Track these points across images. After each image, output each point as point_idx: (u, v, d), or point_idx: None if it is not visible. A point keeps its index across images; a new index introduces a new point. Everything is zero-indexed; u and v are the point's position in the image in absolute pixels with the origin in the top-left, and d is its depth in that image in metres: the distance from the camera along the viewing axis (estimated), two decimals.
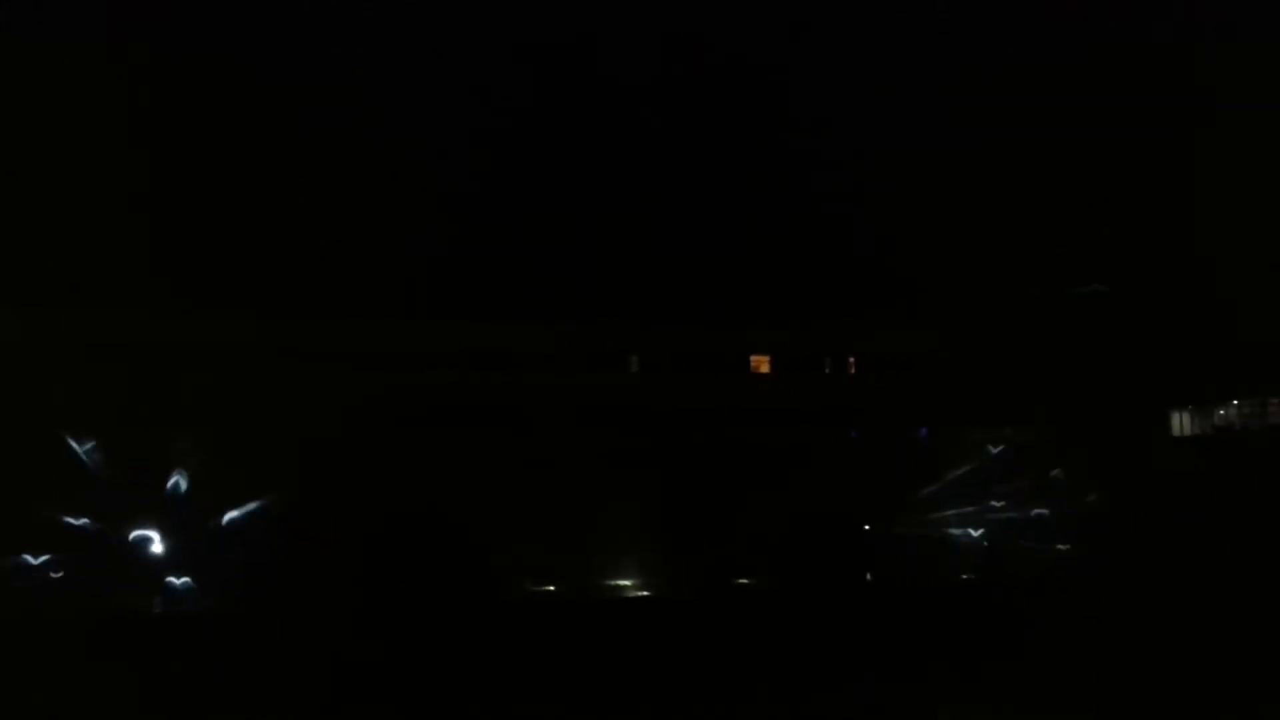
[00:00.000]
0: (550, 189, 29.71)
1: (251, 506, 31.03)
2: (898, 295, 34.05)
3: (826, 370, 35.70)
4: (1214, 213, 32.94)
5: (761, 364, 35.40)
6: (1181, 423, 37.83)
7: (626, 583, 33.30)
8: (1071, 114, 31.82)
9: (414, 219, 28.55)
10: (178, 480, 30.81)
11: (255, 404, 30.90)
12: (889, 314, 34.60)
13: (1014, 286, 35.02)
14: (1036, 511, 35.50)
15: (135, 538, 30.71)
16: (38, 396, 29.31)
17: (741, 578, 33.82)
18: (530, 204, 30.07)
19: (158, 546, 30.86)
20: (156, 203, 27.22)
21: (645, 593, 33.18)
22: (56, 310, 29.40)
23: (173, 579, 30.83)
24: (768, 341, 35.16)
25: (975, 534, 35.37)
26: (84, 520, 30.21)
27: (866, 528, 34.95)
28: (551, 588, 32.82)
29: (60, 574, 30.06)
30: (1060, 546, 35.15)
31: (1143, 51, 30.84)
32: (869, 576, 34.65)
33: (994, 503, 35.43)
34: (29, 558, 29.97)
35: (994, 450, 35.66)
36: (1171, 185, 32.32)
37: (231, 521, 31.22)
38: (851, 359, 35.75)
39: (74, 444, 29.94)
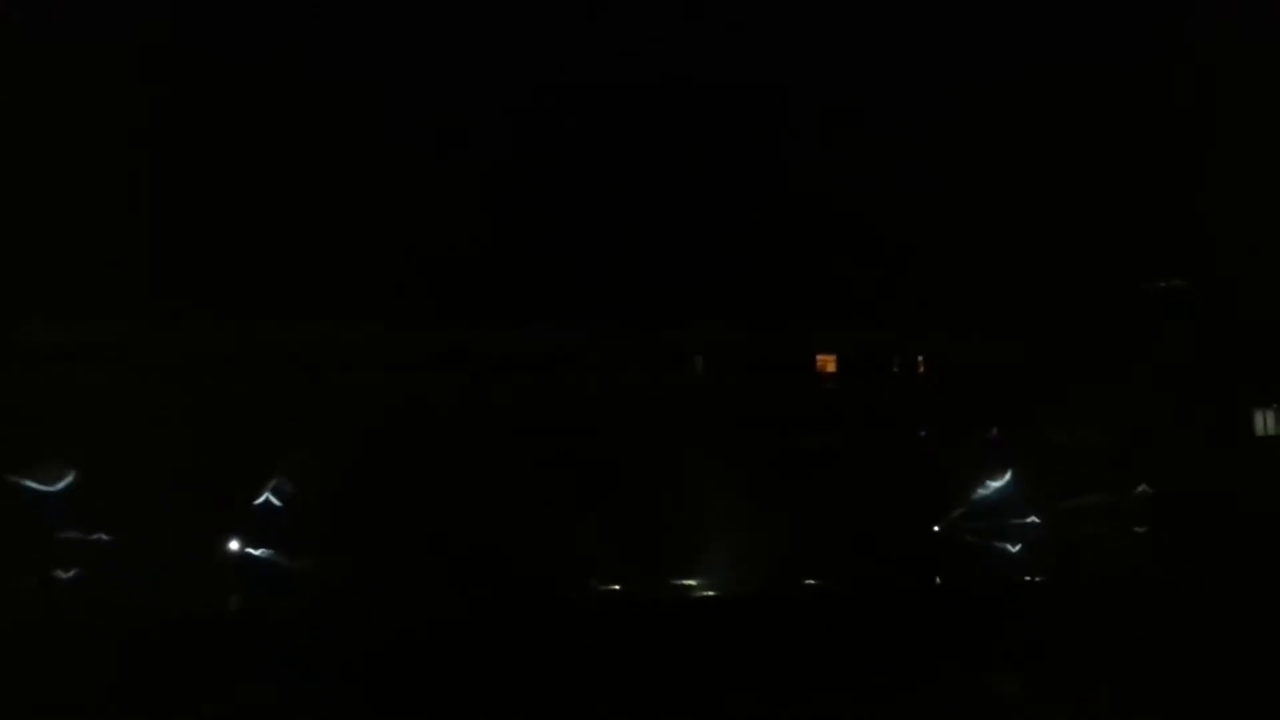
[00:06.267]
0: (603, 189, 29.61)
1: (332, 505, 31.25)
2: (966, 293, 33.50)
3: (895, 369, 35.32)
4: None
5: (828, 363, 35.09)
6: (1266, 422, 36.97)
7: (692, 583, 33.19)
8: (1147, 100, 31.02)
9: (466, 224, 28.67)
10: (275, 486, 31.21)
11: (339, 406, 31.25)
12: (958, 311, 34.05)
13: (1088, 281, 34.31)
14: (1112, 513, 34.86)
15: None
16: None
17: (809, 579, 33.54)
18: (585, 205, 29.97)
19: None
20: (180, 208, 27.59)
21: (711, 593, 33.05)
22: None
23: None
24: (834, 340, 34.87)
25: (1049, 536, 34.74)
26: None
27: (935, 529, 34.51)
28: (617, 587, 32.83)
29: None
30: (1136, 548, 34.54)
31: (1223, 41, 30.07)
32: (938, 579, 34.20)
33: (1069, 505, 34.83)
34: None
35: (1067, 451, 35.07)
36: (1252, 173, 31.37)
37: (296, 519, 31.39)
38: (920, 358, 35.33)
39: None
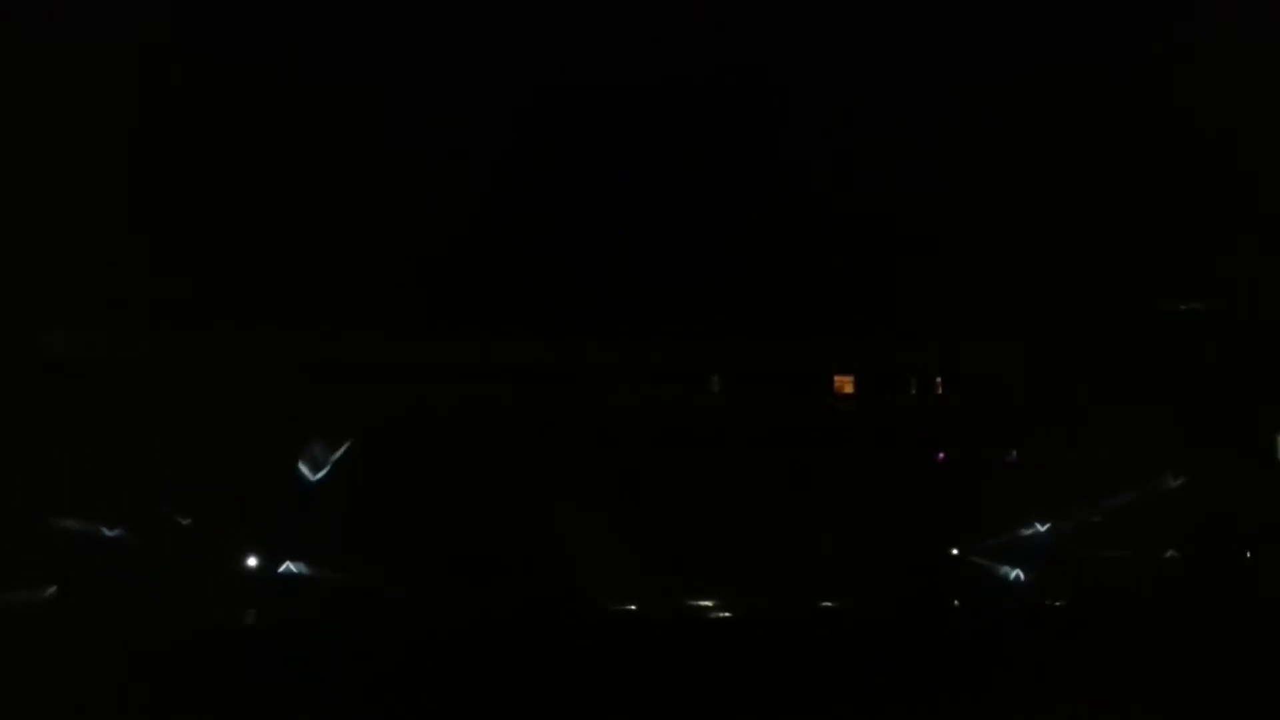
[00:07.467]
0: (619, 203, 29.65)
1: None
2: (986, 310, 33.25)
3: (912, 390, 35.03)
4: None
5: (845, 384, 34.86)
6: None
7: (708, 603, 32.97)
8: (1170, 112, 30.82)
9: (467, 226, 28.80)
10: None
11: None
12: (976, 330, 33.77)
13: (1109, 302, 33.98)
14: (1133, 538, 34.30)
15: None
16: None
17: (826, 601, 33.25)
18: (603, 219, 29.99)
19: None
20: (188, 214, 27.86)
21: (726, 614, 32.81)
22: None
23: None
24: (851, 360, 34.64)
25: (1065, 557, 34.22)
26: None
27: (954, 552, 34.13)
28: (633, 606, 32.65)
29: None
30: (1158, 580, 33.95)
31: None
32: (956, 602, 33.82)
33: (1088, 527, 34.30)
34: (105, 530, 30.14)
35: (1085, 472, 34.57)
36: (1259, 178, 31.05)
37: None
38: (939, 378, 35.03)
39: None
